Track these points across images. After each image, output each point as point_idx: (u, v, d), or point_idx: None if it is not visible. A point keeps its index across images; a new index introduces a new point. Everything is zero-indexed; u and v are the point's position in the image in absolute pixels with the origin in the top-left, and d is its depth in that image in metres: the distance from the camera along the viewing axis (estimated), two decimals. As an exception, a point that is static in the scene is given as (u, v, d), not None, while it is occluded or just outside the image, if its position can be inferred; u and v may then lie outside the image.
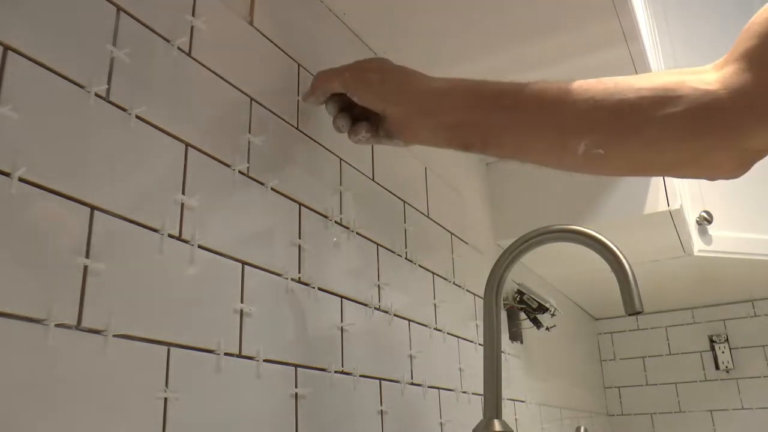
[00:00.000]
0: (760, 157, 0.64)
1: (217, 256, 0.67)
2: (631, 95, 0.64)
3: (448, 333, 1.14)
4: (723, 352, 2.29)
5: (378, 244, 0.98)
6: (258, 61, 0.80)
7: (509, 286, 1.48)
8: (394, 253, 1.02)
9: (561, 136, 0.68)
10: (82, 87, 0.56)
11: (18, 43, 0.51)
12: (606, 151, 0.66)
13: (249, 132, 0.75)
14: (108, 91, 0.58)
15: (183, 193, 0.64)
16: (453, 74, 1.17)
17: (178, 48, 0.67)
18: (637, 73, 1.18)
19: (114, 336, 0.54)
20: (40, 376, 0.48)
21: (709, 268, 1.81)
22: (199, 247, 0.65)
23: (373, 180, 1.00)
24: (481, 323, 1.28)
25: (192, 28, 0.70)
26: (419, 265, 1.09)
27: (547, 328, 1.55)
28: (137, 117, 0.61)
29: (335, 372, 0.81)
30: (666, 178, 1.37)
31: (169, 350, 0.59)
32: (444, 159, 1.31)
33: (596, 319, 2.52)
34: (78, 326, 0.51)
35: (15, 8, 0.51)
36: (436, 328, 1.11)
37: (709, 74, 0.64)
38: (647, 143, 0.65)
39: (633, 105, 0.64)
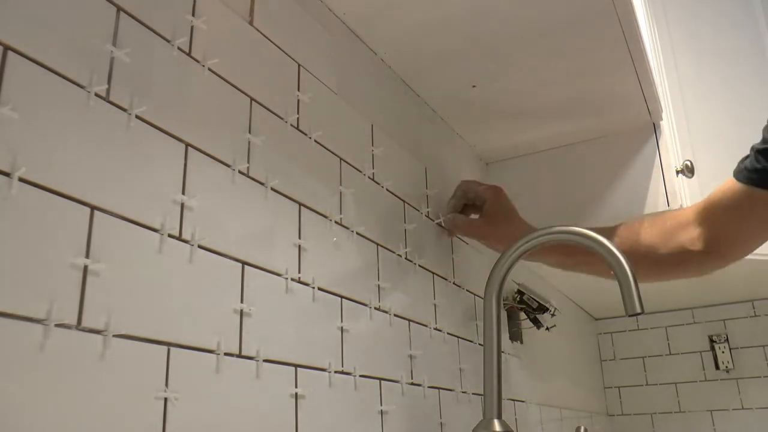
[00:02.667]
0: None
1: (217, 256, 0.67)
2: (642, 247, 1.04)
3: (448, 333, 1.14)
4: (723, 352, 2.29)
5: (378, 244, 0.98)
6: (258, 61, 0.80)
7: (509, 286, 1.48)
8: (394, 253, 1.02)
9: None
10: (82, 87, 0.56)
11: (18, 43, 0.51)
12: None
13: (249, 132, 0.75)
14: (108, 91, 0.58)
15: (183, 193, 0.64)
16: (452, 73, 1.17)
17: (178, 48, 0.67)
18: (636, 73, 1.19)
19: (114, 336, 0.54)
20: (40, 376, 0.48)
21: (709, 268, 1.80)
22: (199, 247, 0.65)
23: (373, 180, 1.00)
24: (481, 323, 1.28)
25: (192, 28, 0.70)
26: (419, 265, 1.09)
27: (547, 328, 1.55)
28: (137, 117, 0.61)
29: (335, 372, 0.81)
30: (666, 178, 1.37)
31: (169, 350, 0.59)
32: (444, 159, 1.31)
33: (596, 319, 2.52)
34: (78, 326, 0.51)
35: (15, 8, 0.51)
36: (436, 328, 1.11)
37: (691, 230, 1.02)
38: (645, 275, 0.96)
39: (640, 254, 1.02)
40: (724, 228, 1.00)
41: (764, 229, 0.98)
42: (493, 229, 1.14)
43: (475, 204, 1.20)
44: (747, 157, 0.97)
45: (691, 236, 1.02)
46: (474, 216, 1.21)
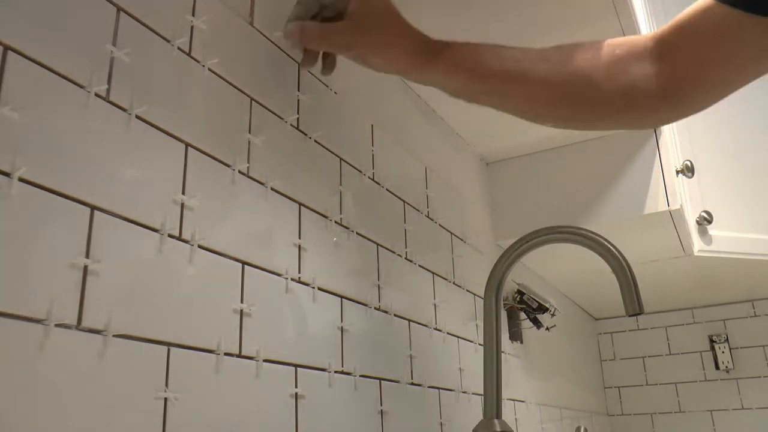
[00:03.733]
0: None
1: (217, 256, 0.67)
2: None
3: (448, 333, 1.14)
4: (723, 352, 2.29)
5: (378, 244, 0.98)
6: (258, 61, 0.80)
7: (509, 286, 1.48)
8: (394, 253, 1.02)
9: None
10: (82, 87, 0.56)
11: (18, 43, 0.51)
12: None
13: (249, 132, 0.75)
14: (108, 91, 0.58)
15: (183, 193, 0.64)
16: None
17: (178, 48, 0.67)
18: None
19: (114, 336, 0.54)
20: (40, 376, 0.48)
21: (709, 268, 1.80)
22: (199, 247, 0.65)
23: (373, 180, 1.00)
24: (481, 323, 1.28)
25: (192, 28, 0.70)
26: (419, 265, 1.09)
27: (547, 328, 1.55)
28: (137, 117, 0.61)
29: (335, 372, 0.81)
30: (666, 178, 1.37)
31: (169, 350, 0.59)
32: (444, 159, 1.31)
33: (596, 319, 2.52)
34: (78, 326, 0.51)
35: (15, 8, 0.51)
36: (436, 328, 1.11)
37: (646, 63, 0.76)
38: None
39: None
40: (693, 63, 0.75)
41: (744, 70, 0.74)
42: (363, 35, 0.77)
43: (334, 14, 0.79)
44: None
45: (646, 71, 0.76)
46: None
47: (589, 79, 0.77)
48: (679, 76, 0.75)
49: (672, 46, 0.75)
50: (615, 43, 0.78)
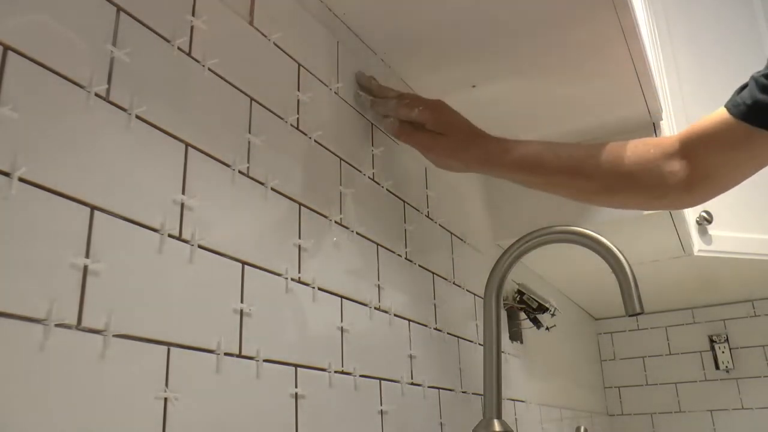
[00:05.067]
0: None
1: (217, 256, 0.67)
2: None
3: (448, 333, 1.14)
4: (723, 352, 2.29)
5: (378, 244, 0.98)
6: (258, 61, 0.80)
7: (509, 286, 1.48)
8: (394, 253, 1.02)
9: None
10: (82, 87, 0.56)
11: (18, 43, 0.51)
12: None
13: (249, 132, 0.75)
14: (108, 91, 0.58)
15: (183, 193, 0.64)
16: (452, 73, 1.17)
17: (178, 48, 0.67)
18: (636, 72, 1.19)
19: (114, 336, 0.54)
20: (40, 376, 0.48)
21: (709, 268, 1.81)
22: (199, 247, 0.65)
23: (373, 180, 1.00)
24: (481, 323, 1.28)
25: (192, 28, 0.70)
26: (419, 265, 1.09)
27: (547, 328, 1.55)
28: (137, 117, 0.61)
29: (335, 372, 0.81)
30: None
31: (169, 350, 0.59)
32: (444, 159, 1.31)
33: (596, 319, 2.52)
34: (78, 326, 0.51)
35: (15, 8, 0.51)
36: (436, 328, 1.11)
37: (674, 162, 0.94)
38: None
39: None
40: (712, 167, 0.92)
41: (754, 171, 0.91)
42: (439, 141, 1.01)
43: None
44: (744, 87, 0.87)
45: (673, 169, 0.94)
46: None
47: (630, 175, 0.95)
48: (699, 175, 0.92)
49: (694, 151, 0.92)
50: (650, 143, 0.97)
